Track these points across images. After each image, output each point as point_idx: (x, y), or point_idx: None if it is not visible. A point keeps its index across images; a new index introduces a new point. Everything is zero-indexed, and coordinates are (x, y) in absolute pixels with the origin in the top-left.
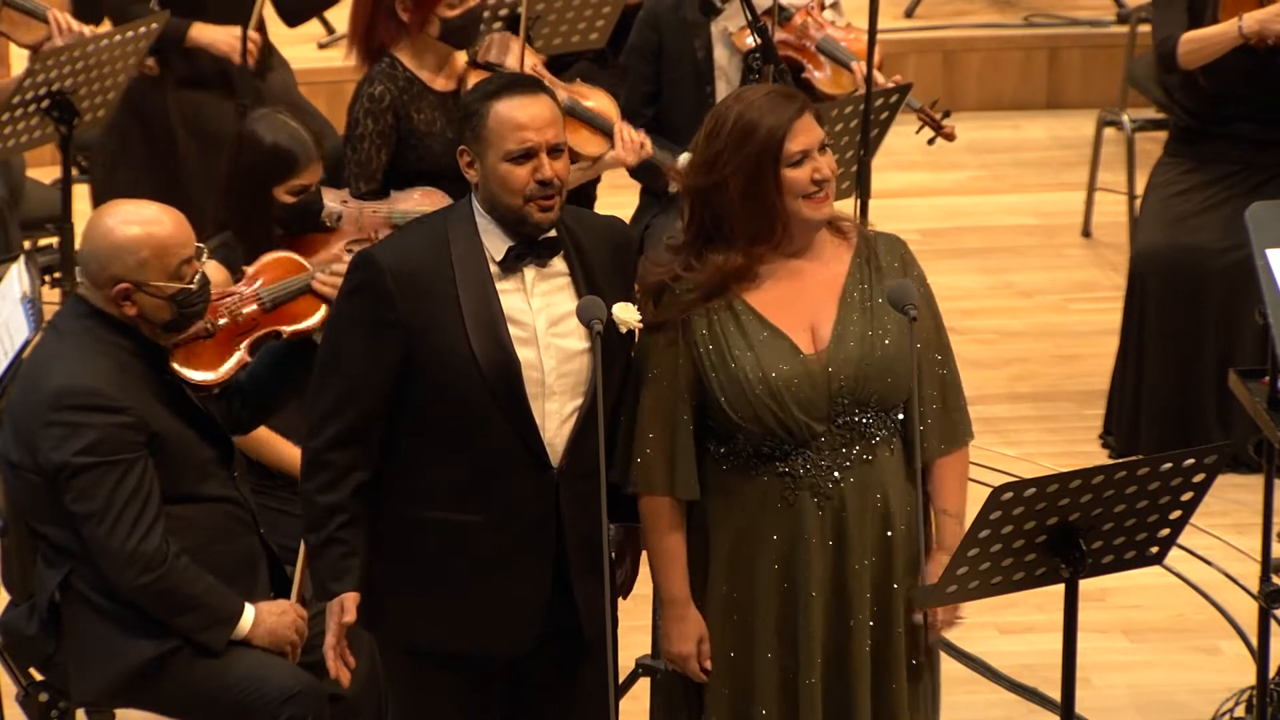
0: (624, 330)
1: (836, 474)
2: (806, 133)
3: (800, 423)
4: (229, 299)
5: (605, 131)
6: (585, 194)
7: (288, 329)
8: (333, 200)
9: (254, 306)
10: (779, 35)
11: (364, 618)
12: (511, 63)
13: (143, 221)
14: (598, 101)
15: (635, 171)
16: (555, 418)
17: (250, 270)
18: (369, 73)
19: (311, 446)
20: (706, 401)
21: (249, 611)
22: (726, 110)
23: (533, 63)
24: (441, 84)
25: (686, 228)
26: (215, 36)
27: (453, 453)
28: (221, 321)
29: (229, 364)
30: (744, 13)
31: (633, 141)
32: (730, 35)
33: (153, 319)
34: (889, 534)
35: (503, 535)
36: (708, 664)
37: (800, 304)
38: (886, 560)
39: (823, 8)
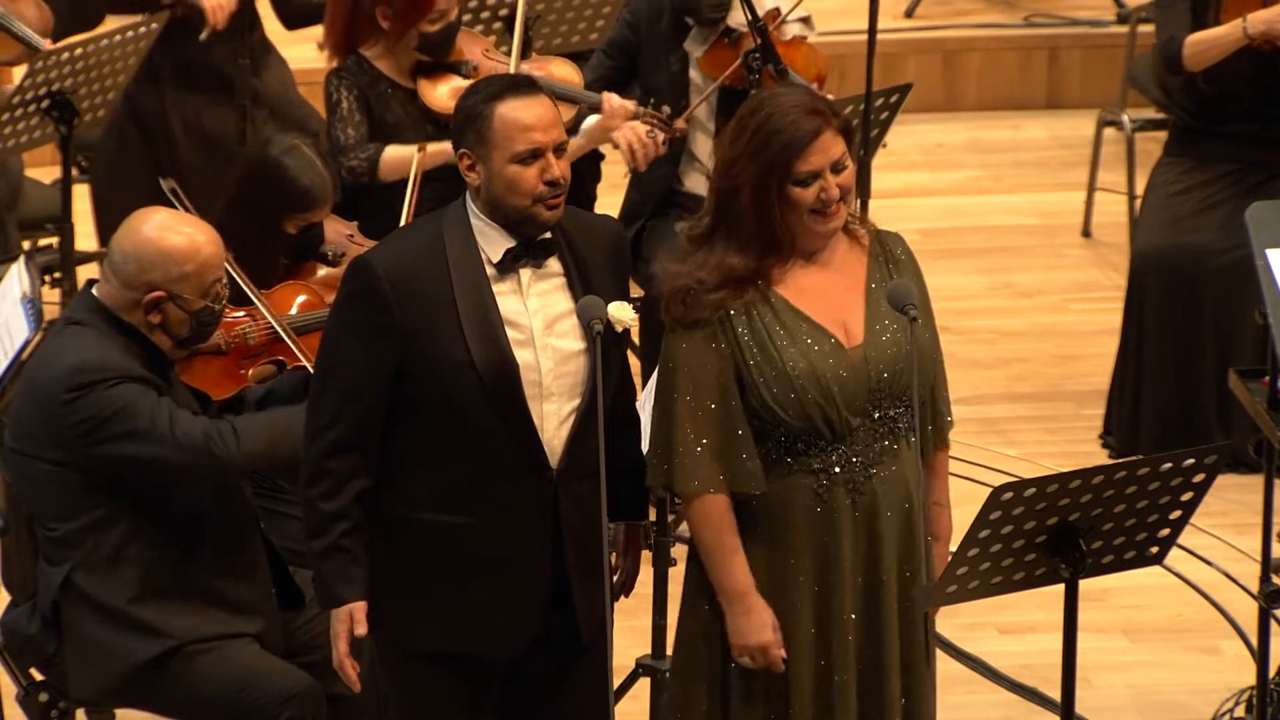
0: (620, 329)
1: (872, 470)
2: (822, 152)
3: (842, 417)
4: (244, 322)
5: (569, 100)
6: (585, 193)
7: (293, 361)
8: (338, 236)
9: (267, 333)
10: (729, 55)
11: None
12: (469, 53)
13: (190, 235)
14: (559, 71)
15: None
16: (553, 419)
17: (266, 295)
18: (334, 68)
19: (311, 454)
20: (746, 399)
21: None
22: (754, 112)
23: (483, 46)
24: (410, 82)
25: (705, 221)
26: None
27: (451, 455)
28: (234, 342)
29: (233, 384)
30: (744, 11)
31: (618, 107)
32: (696, 59)
33: (172, 331)
34: (914, 527)
35: (500, 537)
36: (783, 651)
37: (830, 299)
38: (911, 558)
39: (777, 19)
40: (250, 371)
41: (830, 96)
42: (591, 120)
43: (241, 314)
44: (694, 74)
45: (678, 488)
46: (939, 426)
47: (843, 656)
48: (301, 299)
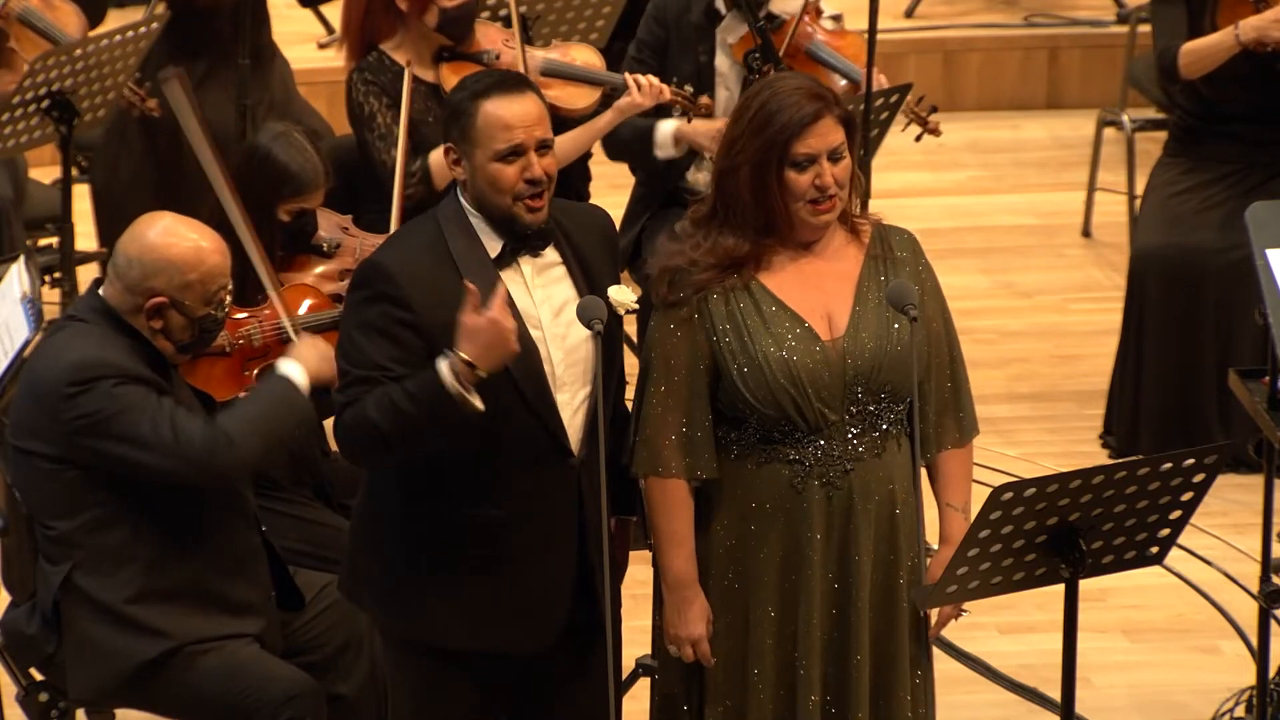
0: (621, 312)
1: (848, 464)
2: (820, 136)
3: (815, 409)
4: (249, 323)
5: (592, 83)
6: (578, 195)
7: None
8: (333, 228)
9: (272, 334)
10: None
11: (384, 617)
12: (488, 44)
13: (196, 243)
14: (581, 55)
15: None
16: (567, 408)
17: (270, 296)
18: (357, 66)
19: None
20: (720, 384)
21: (293, 369)
22: (756, 94)
23: (503, 36)
24: (432, 75)
25: (707, 202)
26: None
27: (478, 449)
28: (239, 343)
29: (237, 385)
30: (744, 12)
31: (650, 86)
32: (730, 45)
33: (174, 337)
34: (895, 527)
35: (526, 529)
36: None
37: (815, 291)
38: (891, 553)
39: (819, 14)
40: (255, 370)
41: (885, 80)
42: (624, 100)
43: (246, 314)
44: (720, 61)
45: (637, 469)
46: (950, 421)
47: (806, 646)
48: (309, 302)
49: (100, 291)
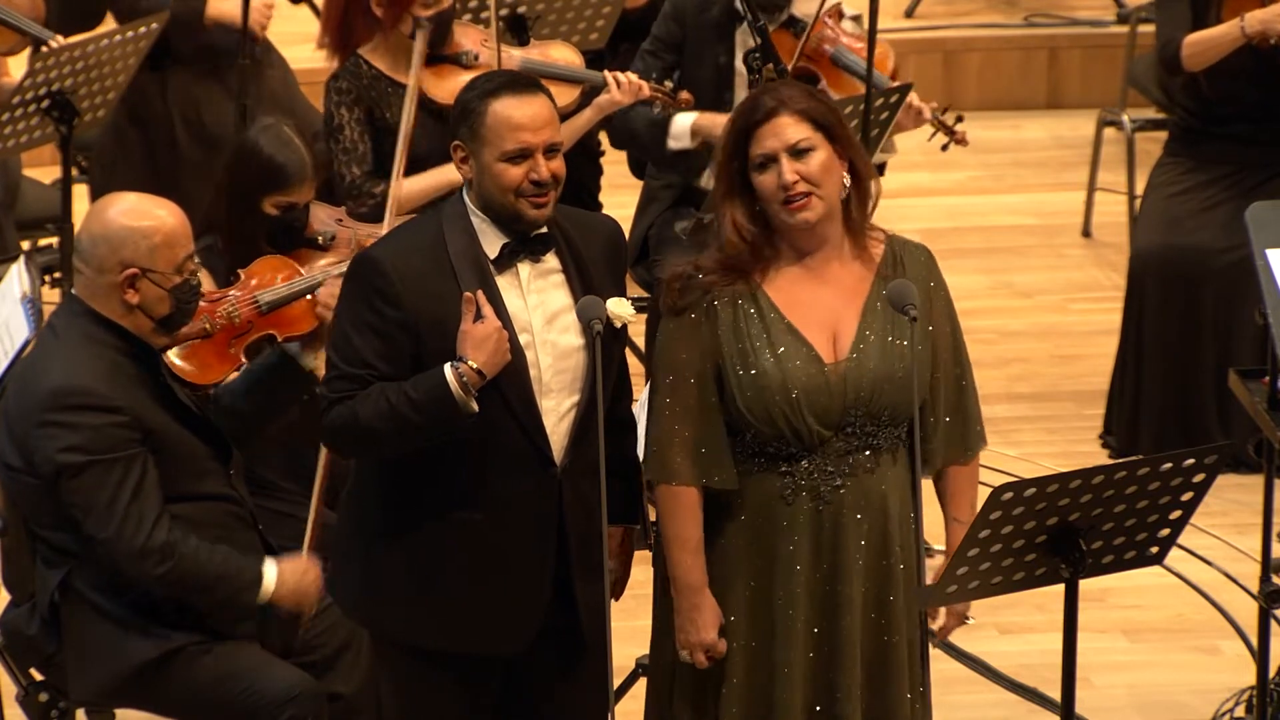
0: (618, 325)
1: (839, 480)
2: (775, 135)
3: (812, 429)
4: (226, 301)
5: (572, 80)
6: (589, 193)
7: (283, 333)
8: (328, 220)
9: (250, 309)
10: (792, 45)
11: (363, 616)
12: (467, 44)
13: (153, 211)
14: (560, 54)
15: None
16: (553, 415)
17: (244, 273)
18: (335, 72)
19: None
20: (724, 394)
21: (270, 572)
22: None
23: (482, 37)
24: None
25: (713, 210)
26: (231, 7)
27: (457, 451)
28: (220, 323)
29: (226, 365)
30: (743, 10)
31: (630, 83)
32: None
33: (152, 311)
34: (888, 540)
35: (504, 533)
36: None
37: (822, 308)
38: (884, 568)
39: (841, 18)
40: (242, 346)
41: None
42: (603, 97)
43: (219, 295)
44: (740, 63)
45: (649, 475)
46: (956, 434)
47: (787, 658)
48: (282, 274)
49: (74, 290)
